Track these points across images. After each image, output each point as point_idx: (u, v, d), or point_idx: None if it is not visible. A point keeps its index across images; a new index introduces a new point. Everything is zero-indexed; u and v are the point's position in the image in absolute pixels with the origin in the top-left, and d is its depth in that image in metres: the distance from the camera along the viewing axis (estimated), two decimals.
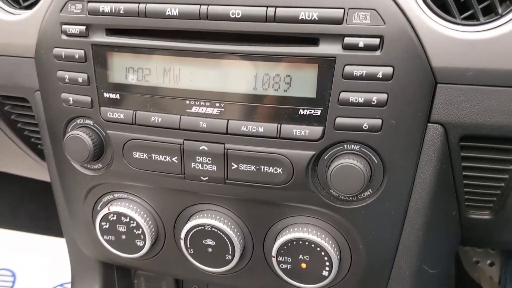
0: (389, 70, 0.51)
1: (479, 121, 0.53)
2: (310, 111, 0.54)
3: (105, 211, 0.66)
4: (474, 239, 0.79)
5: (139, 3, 0.55)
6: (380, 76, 0.51)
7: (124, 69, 0.58)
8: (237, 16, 0.53)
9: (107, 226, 0.66)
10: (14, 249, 1.72)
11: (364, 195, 0.57)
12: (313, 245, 0.60)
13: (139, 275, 0.78)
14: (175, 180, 0.61)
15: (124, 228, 0.66)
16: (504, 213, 0.65)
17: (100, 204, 0.67)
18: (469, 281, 1.41)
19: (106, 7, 0.56)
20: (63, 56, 0.60)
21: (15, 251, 1.71)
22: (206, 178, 0.60)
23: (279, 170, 0.57)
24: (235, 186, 0.60)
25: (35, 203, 1.79)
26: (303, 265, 0.61)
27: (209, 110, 0.57)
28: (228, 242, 0.63)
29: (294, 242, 0.60)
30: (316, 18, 0.51)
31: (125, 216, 0.65)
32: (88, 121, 0.62)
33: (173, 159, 0.59)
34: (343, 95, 0.53)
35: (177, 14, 0.54)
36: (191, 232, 0.64)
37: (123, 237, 0.67)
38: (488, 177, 0.61)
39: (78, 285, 0.77)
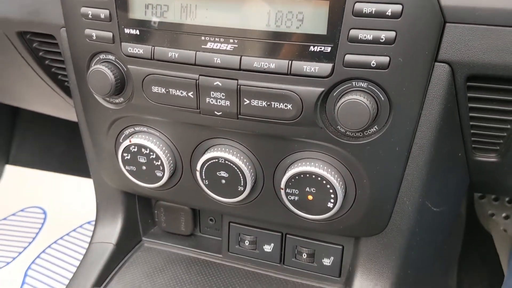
0: (398, 8, 0.52)
1: (486, 60, 0.55)
2: (320, 48, 0.56)
3: (126, 143, 0.70)
4: (483, 184, 0.81)
5: None
6: (389, 14, 0.53)
7: (144, 5, 0.61)
8: None
9: (128, 157, 0.71)
10: (45, 188, 1.81)
11: (370, 131, 0.60)
12: (319, 179, 0.63)
13: (159, 206, 0.83)
14: (191, 114, 0.65)
15: (144, 159, 0.70)
16: (510, 155, 0.67)
17: (122, 136, 0.71)
18: (481, 234, 1.43)
19: None
20: None
21: (45, 190, 1.81)
22: (220, 113, 0.63)
23: (289, 106, 0.60)
24: (247, 121, 0.63)
25: (65, 145, 1.87)
26: (310, 197, 0.65)
27: (223, 46, 0.59)
28: (240, 175, 0.67)
29: (302, 176, 0.64)
30: None
31: (145, 148, 0.69)
32: (110, 56, 0.65)
33: (189, 94, 0.63)
34: (353, 32, 0.54)
35: None
36: (206, 164, 0.68)
37: (143, 167, 0.71)
38: (495, 118, 0.62)
39: (102, 215, 0.83)
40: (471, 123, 0.65)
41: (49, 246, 1.62)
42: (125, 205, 0.82)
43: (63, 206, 1.76)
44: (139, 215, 0.84)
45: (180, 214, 0.83)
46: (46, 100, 1.02)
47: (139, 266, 0.80)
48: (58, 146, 1.88)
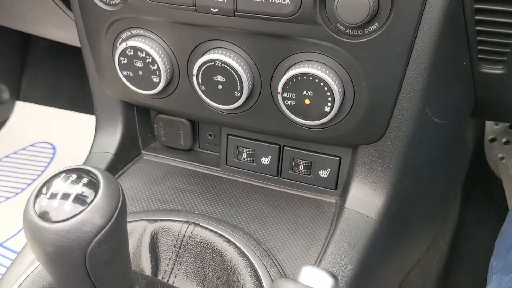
0: None
1: None
2: None
3: (123, 46, 0.69)
4: (488, 105, 0.78)
5: None
6: None
7: None
8: None
9: (125, 61, 0.70)
10: (54, 124, 1.83)
11: (370, 29, 0.58)
12: (317, 81, 0.61)
13: (158, 119, 0.83)
14: (187, 13, 0.63)
15: (141, 64, 0.69)
16: None
17: (119, 40, 0.70)
18: (489, 177, 1.42)
19: None
20: None
21: (55, 127, 1.82)
22: (216, 9, 0.61)
23: (287, 0, 0.58)
24: (244, 19, 0.61)
25: (73, 84, 1.88)
26: (307, 101, 0.64)
27: None
28: (237, 78, 0.65)
29: (299, 78, 0.62)
30: None
31: (141, 50, 0.68)
32: None
33: None
34: None
35: None
36: (203, 68, 0.66)
37: (140, 72, 0.70)
38: (502, 22, 0.60)
39: (102, 126, 0.83)
40: (477, 28, 0.62)
41: None
42: (124, 116, 0.81)
43: (72, 142, 1.78)
44: (138, 128, 0.84)
45: (179, 128, 0.83)
46: (49, 19, 1.01)
47: (138, 176, 0.81)
48: (67, 85, 1.89)
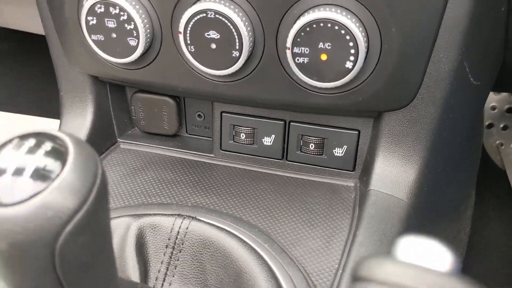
0: None
1: None
2: None
3: (90, 2, 0.56)
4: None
5: None
6: None
7: None
8: None
9: (94, 21, 0.57)
10: (16, 130, 1.67)
11: None
12: (336, 28, 0.50)
13: (136, 99, 0.69)
14: None
15: (114, 23, 0.56)
16: None
17: None
18: (492, 166, 1.34)
19: None
20: None
21: (13, 132, 1.66)
22: None
23: None
24: None
25: (35, 86, 1.73)
26: (323, 56, 0.52)
27: None
28: (235, 33, 0.53)
29: (314, 26, 0.50)
30: None
31: (114, 5, 0.55)
32: None
33: None
34: None
35: None
36: (191, 22, 0.54)
37: (113, 35, 0.57)
38: None
39: (68, 110, 0.69)
40: None
41: None
42: (94, 97, 0.68)
43: None
44: (112, 111, 0.70)
45: (162, 109, 0.70)
46: None
47: (115, 168, 0.67)
48: (28, 88, 1.74)
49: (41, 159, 0.31)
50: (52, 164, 0.31)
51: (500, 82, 0.69)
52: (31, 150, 0.32)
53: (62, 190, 0.30)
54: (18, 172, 0.30)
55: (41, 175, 0.30)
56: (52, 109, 1.64)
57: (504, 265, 0.73)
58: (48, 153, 0.31)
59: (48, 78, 1.72)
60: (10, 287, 0.34)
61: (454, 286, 0.19)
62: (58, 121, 1.72)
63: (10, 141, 0.33)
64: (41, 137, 0.32)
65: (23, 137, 0.32)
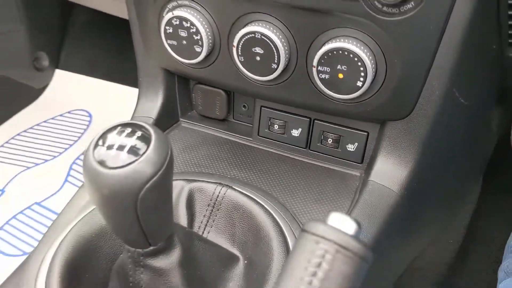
0: None
1: None
2: None
3: (169, 15, 0.73)
4: None
5: None
6: None
7: None
8: None
9: (170, 30, 0.75)
10: (91, 93, 1.90)
11: (406, 7, 0.61)
12: (351, 55, 0.65)
13: (197, 89, 0.88)
14: None
15: (185, 33, 0.74)
16: None
17: (166, 10, 0.75)
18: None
19: None
20: None
21: (92, 96, 1.90)
22: None
23: None
24: None
25: (112, 57, 1.95)
26: (340, 75, 0.67)
27: None
28: (275, 51, 0.69)
29: (335, 52, 0.66)
30: None
31: (186, 20, 0.72)
32: None
33: None
34: None
35: None
36: (243, 40, 0.71)
37: (184, 42, 0.75)
38: None
39: (144, 92, 0.88)
40: (509, 12, 0.64)
41: None
42: (165, 85, 0.86)
43: (108, 111, 1.85)
44: (178, 96, 0.89)
45: (216, 99, 0.87)
46: None
47: (176, 142, 0.86)
48: (105, 57, 1.96)
49: (134, 141, 0.49)
50: (141, 145, 0.49)
51: (509, 99, 0.82)
52: (128, 135, 0.50)
53: (146, 162, 0.48)
54: (120, 148, 0.49)
55: (133, 151, 0.49)
56: (124, 78, 1.87)
57: (501, 254, 0.86)
58: (139, 138, 0.50)
59: (122, 54, 1.95)
60: (105, 219, 0.53)
61: (347, 240, 0.35)
62: (127, 87, 1.93)
63: (115, 127, 0.51)
64: (135, 127, 0.51)
65: (124, 126, 0.51)
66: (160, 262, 0.57)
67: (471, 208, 1.02)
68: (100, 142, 0.50)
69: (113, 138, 0.50)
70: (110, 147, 0.49)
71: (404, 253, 0.84)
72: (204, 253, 0.64)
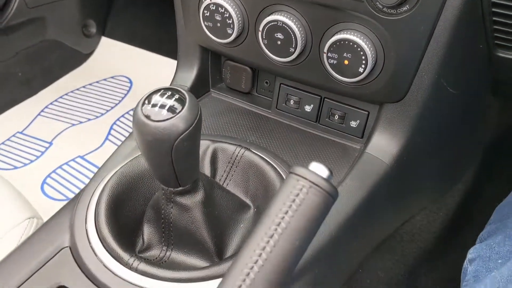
0: None
1: None
2: None
3: (207, 2, 0.87)
4: (506, 84, 0.92)
5: None
6: None
7: None
8: None
9: (207, 14, 0.89)
10: (133, 61, 2.07)
11: (402, 9, 0.73)
12: (355, 46, 0.78)
13: (226, 65, 1.02)
14: None
15: (220, 17, 0.88)
16: None
17: None
18: None
19: None
20: None
21: (133, 63, 2.06)
22: None
23: None
24: None
25: (153, 27, 2.10)
26: (346, 62, 0.80)
27: None
28: (293, 37, 0.83)
29: (342, 42, 0.79)
30: None
31: (221, 7, 0.86)
32: None
33: None
34: None
35: None
36: (267, 26, 0.84)
37: (218, 24, 0.89)
38: None
39: (182, 64, 1.03)
40: (493, 18, 0.76)
41: (132, 109, 1.90)
42: (200, 59, 1.01)
43: (147, 78, 2.02)
44: (210, 70, 1.03)
45: (242, 74, 1.01)
46: None
47: (206, 108, 1.01)
48: (147, 28, 2.12)
49: (173, 102, 0.64)
50: (177, 105, 0.64)
51: (502, 92, 0.93)
52: (168, 97, 0.65)
53: (180, 119, 0.63)
54: (162, 107, 0.64)
55: (172, 110, 0.63)
56: (162, 48, 2.02)
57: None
58: (176, 99, 0.64)
59: (162, 27, 2.09)
60: (147, 161, 0.68)
61: (320, 180, 0.49)
62: (166, 58, 2.07)
63: (159, 90, 0.66)
64: (174, 91, 0.65)
65: (166, 90, 0.66)
66: (187, 200, 0.73)
67: (464, 187, 1.13)
68: (147, 101, 0.65)
69: (157, 99, 0.65)
70: (154, 105, 0.64)
71: (392, 217, 0.97)
72: (222, 198, 0.79)
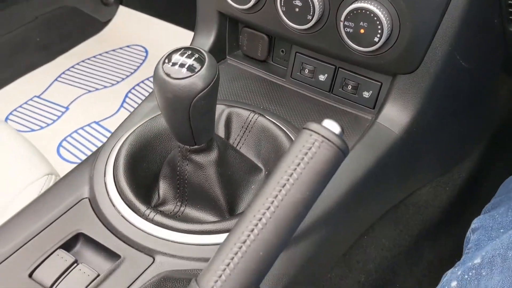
0: None
1: None
2: None
3: None
4: None
5: None
6: None
7: None
8: None
9: None
10: (149, 30, 2.09)
11: None
12: (372, 15, 0.79)
13: (244, 32, 1.03)
14: None
15: None
16: None
17: None
18: None
19: None
20: None
21: (149, 32, 2.08)
22: None
23: None
24: None
25: (171, 0, 2.11)
26: (362, 31, 0.82)
27: None
28: (311, 4, 0.84)
29: (359, 11, 0.80)
30: None
31: None
32: None
33: None
34: None
35: None
36: None
37: None
38: None
39: (200, 29, 1.05)
40: (508, 1, 0.77)
41: (147, 79, 1.93)
42: (218, 25, 1.03)
43: (162, 48, 2.03)
44: (227, 36, 1.05)
45: (259, 42, 1.03)
46: None
47: (221, 75, 1.02)
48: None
49: (192, 61, 0.67)
50: (197, 65, 0.66)
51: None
52: (188, 56, 0.67)
53: (199, 78, 0.65)
54: (181, 65, 0.66)
55: (191, 69, 0.66)
56: (179, 19, 2.03)
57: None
58: (196, 59, 0.67)
59: None
60: (166, 118, 0.71)
61: (332, 136, 0.51)
62: (182, 29, 2.08)
63: (179, 49, 0.68)
64: (194, 51, 0.68)
65: (186, 49, 0.68)
66: (201, 158, 0.76)
67: (472, 165, 1.15)
68: (167, 60, 0.68)
69: (177, 57, 0.67)
70: (174, 64, 0.67)
71: (399, 187, 0.99)
72: (235, 158, 0.82)
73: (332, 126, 0.52)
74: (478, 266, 0.71)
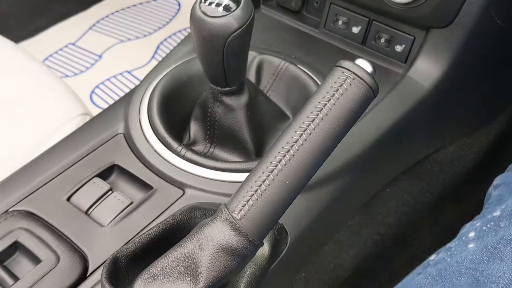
0: None
1: None
2: None
3: None
4: None
5: None
6: None
7: None
8: None
9: None
10: None
11: None
12: None
13: None
14: None
15: None
16: None
17: None
18: None
19: None
20: None
21: None
22: None
23: None
24: None
25: None
26: None
27: None
28: None
29: None
30: None
31: None
32: None
33: None
34: None
35: None
36: None
37: None
38: None
39: None
40: None
41: (179, 31, 1.94)
42: None
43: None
44: None
45: None
46: None
47: (255, 24, 1.03)
48: None
49: (228, 1, 0.68)
50: (233, 5, 0.68)
51: None
52: None
53: (234, 17, 0.67)
54: (217, 5, 0.68)
55: (227, 8, 0.67)
56: None
57: None
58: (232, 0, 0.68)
59: None
60: (200, 57, 0.73)
61: (363, 74, 0.52)
62: None
63: None
64: None
65: None
66: (232, 101, 0.78)
67: (499, 127, 1.14)
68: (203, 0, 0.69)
69: None
70: (210, 4, 0.68)
71: (425, 142, 1.00)
72: (264, 104, 0.84)
73: (364, 64, 0.54)
74: (497, 219, 0.73)
